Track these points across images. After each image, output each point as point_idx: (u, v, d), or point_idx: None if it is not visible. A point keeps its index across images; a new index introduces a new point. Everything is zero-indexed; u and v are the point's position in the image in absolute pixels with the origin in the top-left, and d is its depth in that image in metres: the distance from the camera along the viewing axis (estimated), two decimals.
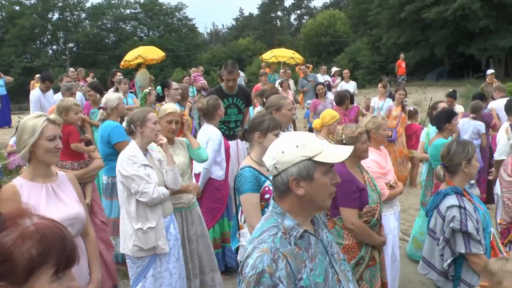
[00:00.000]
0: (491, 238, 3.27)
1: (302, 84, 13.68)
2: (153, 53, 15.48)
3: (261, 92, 6.72)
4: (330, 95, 11.27)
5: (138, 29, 59.57)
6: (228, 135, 6.01)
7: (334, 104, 8.76)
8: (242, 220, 3.46)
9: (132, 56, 15.33)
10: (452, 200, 3.21)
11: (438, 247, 3.30)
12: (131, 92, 11.29)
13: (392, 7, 30.92)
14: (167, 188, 3.91)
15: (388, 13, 32.04)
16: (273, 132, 3.45)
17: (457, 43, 29.25)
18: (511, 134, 4.13)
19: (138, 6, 58.57)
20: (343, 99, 8.31)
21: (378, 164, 4.44)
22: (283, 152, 1.87)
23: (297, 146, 1.86)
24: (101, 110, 5.52)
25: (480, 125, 7.32)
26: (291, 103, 4.63)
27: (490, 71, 12.76)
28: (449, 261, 3.21)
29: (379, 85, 10.62)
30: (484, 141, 7.27)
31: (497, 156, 5.98)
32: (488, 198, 7.37)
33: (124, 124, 4.03)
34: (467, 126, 7.36)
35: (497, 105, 7.94)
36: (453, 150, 3.37)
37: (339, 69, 15.96)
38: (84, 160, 4.70)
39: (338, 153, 1.90)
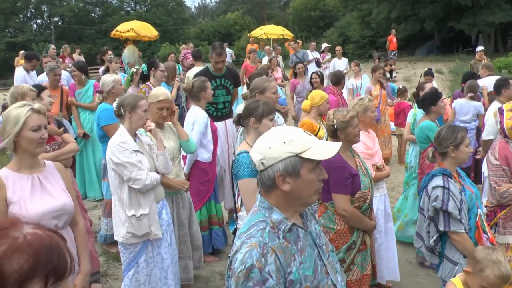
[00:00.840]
0: (477, 219, 3.36)
1: (292, 60, 13.59)
2: (147, 30, 15.38)
3: (250, 76, 6.65)
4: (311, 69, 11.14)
5: (124, 3, 58.36)
6: (216, 116, 5.99)
7: (330, 83, 8.58)
8: (239, 203, 3.49)
9: (124, 28, 15.17)
10: (438, 181, 3.34)
11: (424, 224, 3.46)
12: (120, 67, 11.19)
13: None
14: (158, 173, 3.89)
15: None
16: (268, 117, 3.47)
17: (447, 18, 29.13)
18: (499, 117, 4.14)
19: None
20: (340, 79, 8.21)
21: (365, 145, 4.47)
22: (270, 147, 1.86)
23: (284, 142, 1.85)
24: (97, 94, 5.50)
25: (480, 106, 7.17)
26: (275, 85, 4.60)
27: (479, 48, 12.77)
28: (434, 237, 3.37)
29: (352, 64, 10.57)
30: (481, 122, 7.20)
31: (484, 136, 6.03)
32: (476, 178, 7.43)
33: (114, 105, 3.96)
34: (467, 108, 7.17)
35: (484, 83, 7.97)
36: (442, 135, 3.46)
37: (329, 45, 15.85)
38: (56, 141, 4.47)
39: (325, 150, 1.88)
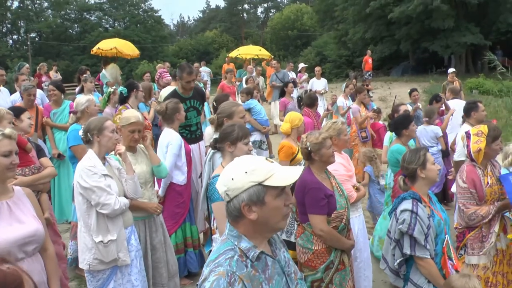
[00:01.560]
0: (444, 245, 3.41)
1: (272, 79, 13.66)
2: (129, 49, 15.15)
3: (215, 98, 6.62)
4: (295, 92, 11.22)
5: (103, 20, 57.95)
6: (191, 139, 5.96)
7: (302, 104, 8.48)
8: (215, 225, 3.51)
9: (107, 46, 14.86)
10: (407, 204, 3.39)
11: (390, 247, 3.50)
12: (96, 86, 11.12)
13: (358, 3, 31.27)
14: (126, 197, 3.86)
15: (354, 9, 32.38)
16: (243, 141, 3.52)
17: (421, 39, 29.90)
18: (466, 141, 4.25)
19: None
20: (314, 101, 8.04)
21: (345, 167, 4.53)
22: (232, 178, 1.90)
23: (246, 172, 1.88)
24: (71, 114, 5.44)
25: (437, 129, 7.41)
26: (243, 110, 4.65)
27: (451, 70, 13.08)
28: (398, 260, 3.42)
29: (349, 86, 10.64)
30: (443, 144, 7.39)
31: (456, 157, 6.15)
32: (443, 196, 7.60)
33: (80, 132, 3.91)
34: (425, 133, 7.43)
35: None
36: (407, 159, 3.54)
37: (306, 65, 16.01)
38: (35, 164, 4.41)
39: (288, 175, 1.92)
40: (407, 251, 3.33)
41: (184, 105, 5.86)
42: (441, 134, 7.40)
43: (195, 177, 5.67)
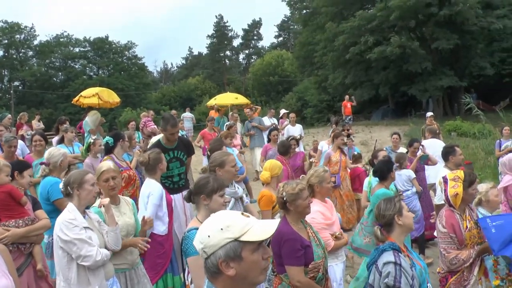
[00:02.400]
0: None
1: (247, 128, 13.82)
2: (110, 97, 15.03)
3: (210, 148, 6.65)
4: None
5: (87, 68, 58.50)
6: (173, 189, 5.96)
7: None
8: (189, 280, 3.45)
9: (89, 93, 14.83)
10: (389, 256, 3.32)
11: None
12: (78, 134, 11.06)
13: (337, 49, 32.02)
14: (107, 249, 3.82)
15: (333, 55, 33.12)
16: (218, 193, 3.51)
17: (400, 83, 30.67)
18: (443, 186, 4.33)
19: (87, 44, 57.69)
20: (287, 149, 7.95)
21: (323, 215, 4.53)
22: (209, 236, 1.90)
23: (221, 229, 1.89)
24: (43, 166, 5.32)
25: (408, 172, 7.50)
26: (234, 159, 4.68)
27: (429, 114, 13.38)
28: None
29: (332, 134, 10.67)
30: (418, 187, 7.46)
31: (436, 200, 6.27)
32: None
33: (60, 185, 3.89)
34: (398, 177, 7.42)
35: (426, 143, 8.84)
36: (382, 208, 3.53)
37: (288, 111, 16.21)
38: (29, 216, 4.41)
39: (264, 230, 1.92)
40: None
41: (167, 155, 5.90)
42: (414, 176, 7.47)
43: (177, 227, 5.62)
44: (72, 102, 15.67)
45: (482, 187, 4.80)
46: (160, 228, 5.01)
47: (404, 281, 3.22)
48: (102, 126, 11.94)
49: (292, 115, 14.39)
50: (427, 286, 3.42)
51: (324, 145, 10.28)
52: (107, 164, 4.45)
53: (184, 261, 3.41)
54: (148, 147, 6.32)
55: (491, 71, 28.11)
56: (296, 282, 3.63)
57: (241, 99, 19.03)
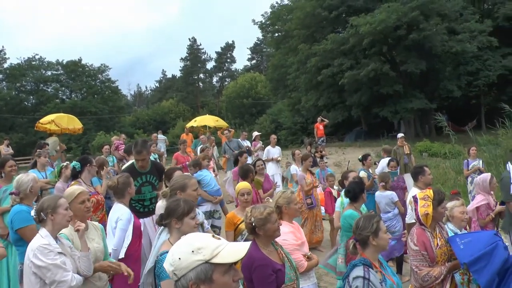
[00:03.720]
0: None
1: (224, 149, 13.82)
2: (69, 123, 14.53)
3: (165, 172, 6.61)
4: (249, 160, 11.27)
5: (60, 91, 57.33)
6: (143, 213, 5.91)
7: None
8: None
9: (46, 120, 14.46)
10: (358, 271, 3.41)
11: None
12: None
13: (309, 71, 32.50)
14: (79, 274, 3.74)
15: (306, 77, 33.61)
16: (189, 216, 3.50)
17: (372, 105, 31.29)
18: (414, 205, 4.44)
19: (60, 68, 56.78)
20: (247, 173, 7.37)
21: (295, 236, 4.55)
22: (179, 258, 1.89)
23: (192, 251, 1.88)
24: (13, 196, 5.10)
25: (391, 194, 7.63)
26: (196, 182, 4.67)
27: (400, 135, 13.58)
28: None
29: (297, 153, 10.69)
30: (401, 208, 7.57)
31: (407, 219, 6.37)
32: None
33: (32, 212, 3.79)
34: (381, 198, 7.66)
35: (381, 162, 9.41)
36: (360, 225, 3.61)
37: (260, 133, 16.29)
38: None
39: (235, 252, 1.92)
40: None
41: (140, 179, 5.90)
42: (397, 199, 7.59)
43: (147, 251, 5.51)
44: (35, 128, 15.17)
45: (448, 204, 4.95)
46: (122, 254, 4.82)
47: None
48: (64, 154, 11.72)
49: (273, 136, 14.34)
50: None
51: (292, 168, 10.27)
52: (78, 187, 4.37)
53: (158, 285, 3.38)
54: (122, 169, 6.26)
55: (458, 93, 29.03)
56: None
57: (221, 122, 18.91)
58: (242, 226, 5.16)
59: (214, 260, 1.87)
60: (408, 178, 12.64)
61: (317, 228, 9.05)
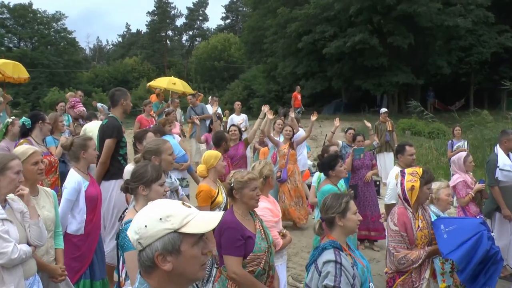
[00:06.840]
0: None
1: (189, 115, 13.70)
2: (15, 72, 13.55)
3: (134, 135, 6.49)
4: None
5: (6, 38, 55.56)
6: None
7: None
8: (123, 276, 3.40)
9: None
10: (329, 255, 3.38)
11: None
12: None
13: (289, 37, 32.29)
14: (29, 244, 3.60)
15: (285, 42, 33.42)
16: (157, 183, 3.49)
17: (354, 77, 31.40)
18: (400, 179, 4.50)
19: (6, 11, 54.71)
20: (220, 141, 7.25)
21: (271, 212, 4.58)
22: (146, 226, 1.84)
23: (160, 219, 1.84)
24: None
25: None
26: (171, 146, 4.62)
27: (383, 110, 13.72)
28: None
29: (277, 122, 10.57)
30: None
31: (386, 200, 6.46)
32: None
33: None
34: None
35: None
36: (327, 203, 3.60)
37: (216, 99, 15.90)
38: None
39: (206, 222, 1.89)
40: None
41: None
42: None
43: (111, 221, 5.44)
44: None
45: (434, 185, 5.02)
46: (73, 227, 4.67)
47: (345, 280, 3.28)
48: (8, 106, 11.35)
49: (237, 103, 14.38)
50: (369, 286, 3.51)
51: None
52: (31, 147, 4.20)
53: (121, 255, 3.34)
54: (105, 128, 6.04)
55: (448, 70, 29.40)
56: (232, 274, 3.64)
57: (178, 86, 17.86)
58: (220, 198, 5.16)
59: (184, 230, 1.84)
60: (387, 157, 12.91)
61: (298, 205, 9.07)
